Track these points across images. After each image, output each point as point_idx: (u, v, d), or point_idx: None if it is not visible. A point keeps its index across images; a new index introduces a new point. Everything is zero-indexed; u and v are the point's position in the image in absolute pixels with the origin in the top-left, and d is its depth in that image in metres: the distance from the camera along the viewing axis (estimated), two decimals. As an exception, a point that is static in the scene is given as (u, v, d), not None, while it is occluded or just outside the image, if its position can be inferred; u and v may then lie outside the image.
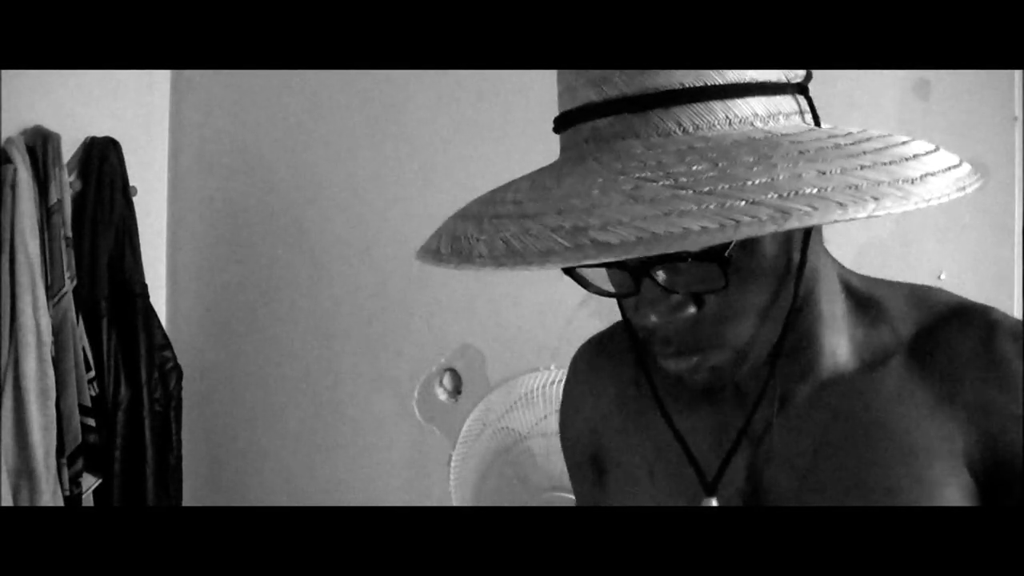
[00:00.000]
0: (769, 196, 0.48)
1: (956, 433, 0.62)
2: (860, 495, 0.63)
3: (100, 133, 2.08)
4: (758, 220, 0.47)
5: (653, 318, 0.58)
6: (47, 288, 1.87)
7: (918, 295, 0.69)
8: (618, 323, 0.82)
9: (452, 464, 1.81)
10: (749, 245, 0.58)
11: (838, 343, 0.67)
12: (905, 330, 0.66)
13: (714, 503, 0.66)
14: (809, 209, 0.47)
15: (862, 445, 0.64)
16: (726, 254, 0.56)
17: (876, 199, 0.48)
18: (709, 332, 0.59)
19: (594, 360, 0.82)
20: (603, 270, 0.63)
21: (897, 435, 0.63)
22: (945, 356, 0.64)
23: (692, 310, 0.59)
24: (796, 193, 0.48)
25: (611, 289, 0.64)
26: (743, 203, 0.48)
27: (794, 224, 0.47)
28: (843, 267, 0.71)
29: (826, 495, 0.64)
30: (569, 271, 0.61)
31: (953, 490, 0.61)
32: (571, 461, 0.85)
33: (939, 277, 1.64)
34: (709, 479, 0.67)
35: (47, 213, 1.90)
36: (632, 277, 0.58)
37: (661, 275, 0.57)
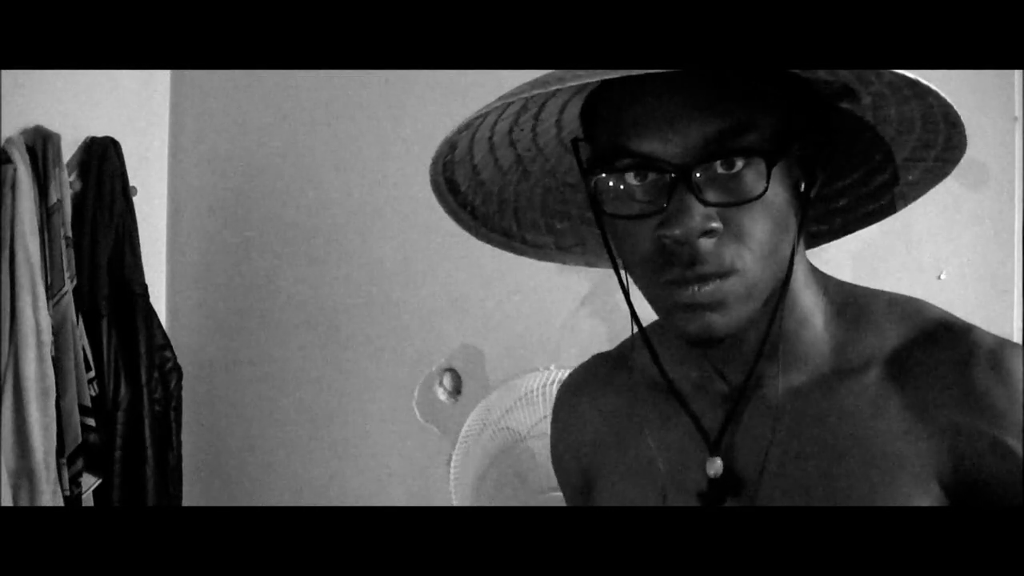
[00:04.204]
0: None
1: (928, 451, 0.62)
2: (825, 497, 0.64)
3: (100, 133, 2.08)
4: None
5: (679, 231, 0.59)
6: (47, 288, 1.87)
7: (902, 307, 0.69)
8: (597, 356, 0.85)
9: (452, 464, 1.81)
10: (771, 181, 0.60)
11: (818, 345, 0.68)
12: (886, 341, 0.67)
13: (719, 463, 0.67)
14: None
15: (833, 449, 0.64)
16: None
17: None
18: (730, 254, 0.60)
19: (579, 392, 0.84)
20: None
21: (869, 445, 0.64)
22: (923, 375, 0.65)
23: (718, 224, 0.60)
24: None
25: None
26: None
27: None
28: (823, 274, 0.72)
29: (791, 496, 0.65)
30: (593, 172, 0.63)
31: (922, 502, 0.62)
32: (563, 481, 0.86)
33: (939, 277, 1.63)
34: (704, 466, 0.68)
35: (47, 213, 1.90)
36: (669, 187, 0.59)
37: (702, 176, 0.59)
